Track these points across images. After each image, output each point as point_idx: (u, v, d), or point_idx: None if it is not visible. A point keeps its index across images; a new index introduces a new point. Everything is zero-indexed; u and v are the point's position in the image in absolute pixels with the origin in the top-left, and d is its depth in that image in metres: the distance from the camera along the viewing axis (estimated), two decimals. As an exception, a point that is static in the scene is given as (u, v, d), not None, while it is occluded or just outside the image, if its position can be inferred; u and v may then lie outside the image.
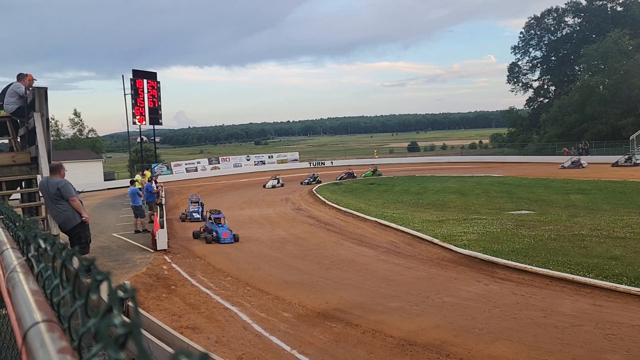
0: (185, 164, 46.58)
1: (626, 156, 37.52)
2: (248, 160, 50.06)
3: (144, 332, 3.92)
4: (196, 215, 19.11)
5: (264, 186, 31.29)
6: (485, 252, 11.18)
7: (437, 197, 22.56)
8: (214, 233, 14.58)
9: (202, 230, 15.42)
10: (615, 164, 36.24)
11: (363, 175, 35.07)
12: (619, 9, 63.14)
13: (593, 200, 19.77)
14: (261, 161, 50.44)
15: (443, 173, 36.68)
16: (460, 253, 11.56)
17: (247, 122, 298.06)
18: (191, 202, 20.11)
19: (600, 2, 63.96)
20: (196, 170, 45.76)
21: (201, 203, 20.08)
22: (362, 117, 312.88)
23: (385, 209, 19.26)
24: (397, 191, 25.81)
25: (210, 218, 15.50)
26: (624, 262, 9.75)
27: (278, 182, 31.59)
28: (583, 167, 35.73)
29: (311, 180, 32.31)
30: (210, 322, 7.95)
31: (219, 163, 47.78)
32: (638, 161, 35.89)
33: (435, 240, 12.83)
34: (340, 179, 33.67)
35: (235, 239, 14.45)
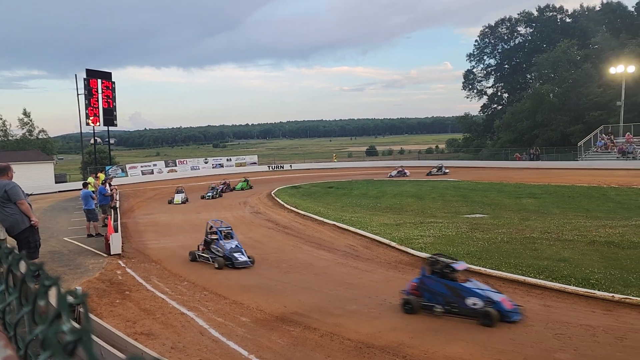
0: (141, 167, 45.52)
1: (437, 166, 40.52)
2: (206, 163, 49.42)
3: (95, 338, 3.81)
4: (242, 258, 11.58)
5: (169, 202, 25.77)
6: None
7: (395, 201, 22.85)
8: (476, 301, 7.56)
9: (411, 292, 8.20)
10: (429, 173, 39.01)
11: (238, 185, 31.46)
12: (567, 20, 66.07)
13: (543, 204, 20.43)
14: (219, 164, 49.85)
15: (400, 177, 37.19)
16: (417, 256, 11.71)
17: (205, 125, 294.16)
18: (221, 233, 12.24)
19: (551, 14, 66.75)
20: (152, 172, 44.87)
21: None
22: (321, 120, 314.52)
23: (344, 212, 19.37)
24: (356, 195, 26.00)
25: (446, 274, 7.99)
26: (572, 264, 10.12)
27: (185, 196, 26.15)
28: (407, 176, 37.65)
29: (214, 193, 27.48)
30: (165, 328, 7.80)
31: (175, 166, 46.97)
32: (447, 171, 39.24)
33: (393, 244, 12.97)
34: (220, 191, 28.95)
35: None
